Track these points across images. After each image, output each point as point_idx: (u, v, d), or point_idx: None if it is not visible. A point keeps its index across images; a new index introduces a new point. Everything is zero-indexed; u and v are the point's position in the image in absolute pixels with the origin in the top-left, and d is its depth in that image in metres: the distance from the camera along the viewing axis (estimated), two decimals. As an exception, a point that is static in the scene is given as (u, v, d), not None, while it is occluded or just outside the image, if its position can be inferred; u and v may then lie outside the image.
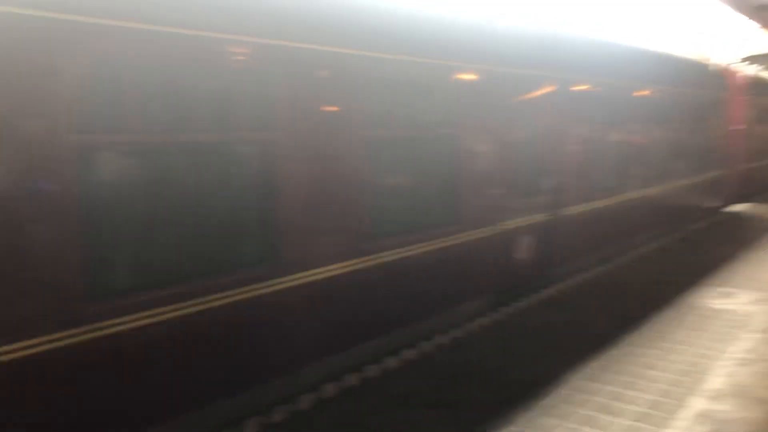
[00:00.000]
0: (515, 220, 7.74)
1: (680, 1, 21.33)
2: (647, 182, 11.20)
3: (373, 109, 5.69)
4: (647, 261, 10.39)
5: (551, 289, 8.37)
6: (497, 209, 7.45)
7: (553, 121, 8.36)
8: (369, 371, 5.76)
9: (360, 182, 5.57)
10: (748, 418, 4.93)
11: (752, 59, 28.20)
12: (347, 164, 5.47)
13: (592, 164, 9.35)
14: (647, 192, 11.22)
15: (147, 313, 4.16)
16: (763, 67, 20.68)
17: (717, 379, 5.65)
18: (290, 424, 4.81)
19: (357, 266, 5.57)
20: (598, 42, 9.80)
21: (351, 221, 5.53)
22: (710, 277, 9.24)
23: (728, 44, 29.31)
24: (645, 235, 11.76)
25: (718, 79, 14.91)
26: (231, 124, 4.63)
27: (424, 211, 6.48)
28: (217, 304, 4.50)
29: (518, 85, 7.64)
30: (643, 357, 6.16)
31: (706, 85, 14.07)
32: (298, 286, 5.06)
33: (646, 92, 10.97)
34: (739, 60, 24.80)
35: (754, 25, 22.94)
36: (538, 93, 8.10)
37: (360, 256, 5.61)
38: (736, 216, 15.27)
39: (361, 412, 5.03)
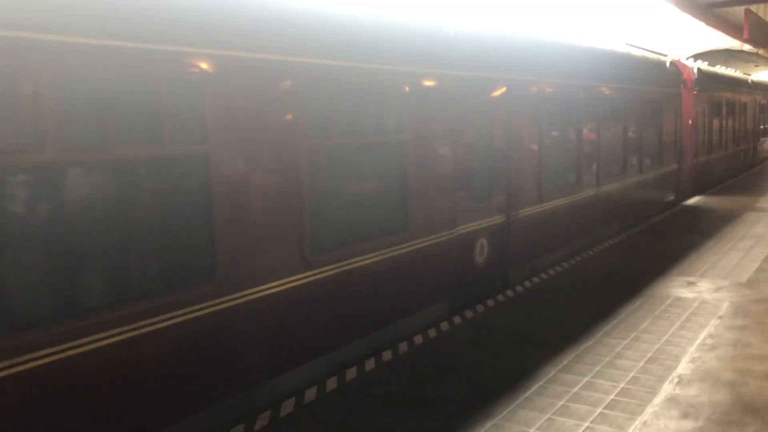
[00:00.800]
0: (471, 223, 7.77)
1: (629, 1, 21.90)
2: (603, 179, 11.35)
3: (315, 116, 5.58)
4: (612, 252, 10.66)
5: (513, 289, 8.46)
6: (453, 213, 7.44)
7: (505, 122, 8.42)
8: (348, 374, 5.82)
9: (302, 192, 5.42)
10: (714, 401, 5.14)
11: (701, 56, 29.05)
12: (287, 174, 5.32)
13: (547, 164, 9.44)
14: (603, 189, 11.39)
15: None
16: (709, 63, 21.23)
17: (684, 365, 5.87)
18: (273, 430, 4.84)
19: (302, 281, 5.47)
20: (550, 41, 9.92)
21: (293, 233, 5.39)
22: (673, 267, 9.55)
23: (677, 41, 30.14)
24: (603, 232, 11.90)
25: (670, 74, 15.12)
26: (160, 138, 4.35)
27: (375, 219, 6.41)
28: (146, 330, 4.25)
29: (469, 88, 7.64)
30: (612, 347, 6.36)
31: (660, 82, 14.30)
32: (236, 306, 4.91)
33: (600, 90, 11.13)
34: (688, 57, 25.53)
35: (700, 24, 23.64)
36: (490, 95, 8.18)
37: (305, 270, 5.51)
38: (693, 209, 15.56)
39: (343, 414, 5.09)
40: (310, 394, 5.43)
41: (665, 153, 14.55)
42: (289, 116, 5.30)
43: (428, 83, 7.00)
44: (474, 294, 8.07)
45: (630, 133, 12.49)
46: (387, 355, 6.25)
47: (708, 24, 23.23)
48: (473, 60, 7.77)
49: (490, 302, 7.94)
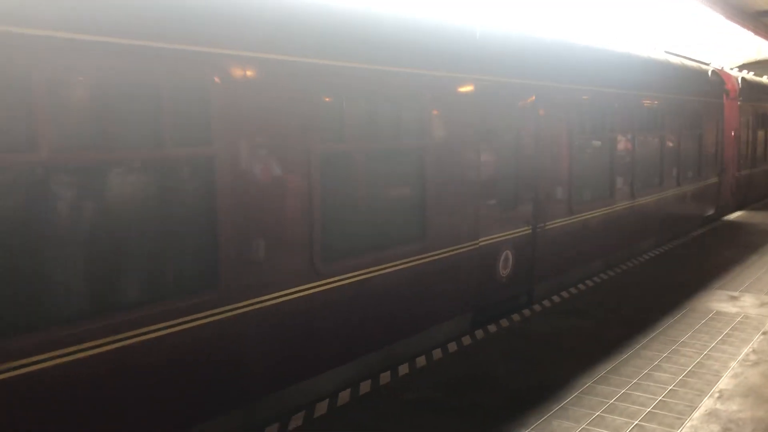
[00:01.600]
0: (495, 235, 7.49)
1: (675, 8, 21.50)
2: (638, 191, 10.92)
3: (328, 119, 5.37)
4: (652, 264, 10.46)
5: (540, 304, 8.21)
6: (476, 224, 7.17)
7: (534, 130, 8.12)
8: (382, 378, 5.83)
9: (313, 200, 5.20)
10: (756, 417, 5.00)
11: (748, 66, 28.37)
12: (297, 180, 5.12)
13: (578, 174, 9.10)
14: (638, 201, 10.95)
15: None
16: (755, 73, 20.65)
17: (724, 380, 5.73)
18: (307, 430, 4.88)
19: (311, 291, 5.28)
20: (583, 46, 9.55)
21: (303, 242, 5.18)
22: (715, 280, 9.33)
23: (724, 50, 29.54)
24: (638, 247, 11.37)
25: (712, 84, 14.60)
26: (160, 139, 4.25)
27: (392, 228, 6.17)
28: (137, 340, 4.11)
29: (495, 93, 7.34)
30: (650, 359, 6.24)
31: (701, 91, 13.79)
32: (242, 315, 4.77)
33: (636, 98, 10.77)
34: (735, 66, 24.96)
35: (747, 33, 23.13)
36: (518, 101, 7.90)
37: (315, 280, 5.31)
38: (733, 224, 14.99)
39: (375, 418, 5.10)
40: (344, 396, 5.46)
41: (705, 165, 14.02)
42: (300, 118, 5.10)
43: (451, 88, 6.76)
44: (497, 308, 7.76)
45: (667, 144, 12.07)
46: (421, 361, 6.24)
47: (757, 33, 22.72)
48: (500, 64, 7.46)
49: (526, 312, 7.86)
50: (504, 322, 7.43)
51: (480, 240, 7.23)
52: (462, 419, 5.06)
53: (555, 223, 8.64)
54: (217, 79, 4.51)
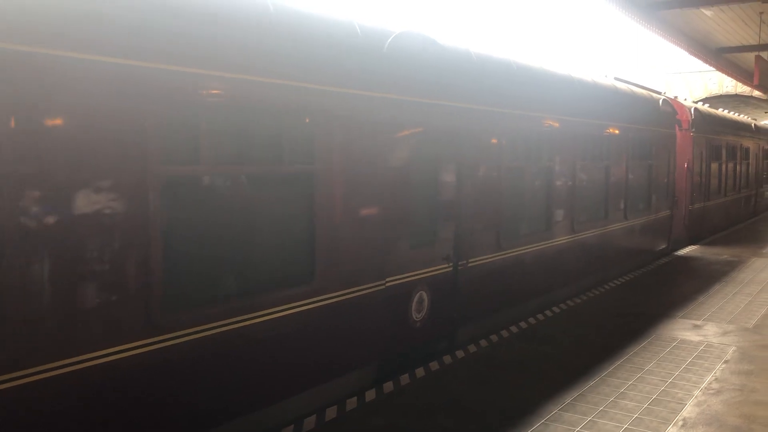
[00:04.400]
0: (407, 274, 6.60)
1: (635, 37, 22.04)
2: (579, 225, 10.20)
3: (174, 137, 4.46)
4: (617, 293, 10.59)
5: (463, 349, 7.32)
6: (382, 262, 6.27)
7: (455, 156, 7.32)
8: (348, 405, 5.77)
9: (151, 234, 4.26)
10: (719, 446, 5.05)
11: (711, 100, 29.20)
12: (127, 210, 4.14)
13: (509, 206, 8.28)
14: (579, 236, 10.22)
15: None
16: (710, 106, 21.13)
17: (688, 408, 5.79)
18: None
19: (145, 349, 4.28)
20: (521, 66, 8.68)
21: (135, 287, 4.22)
22: (679, 309, 9.47)
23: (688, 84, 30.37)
24: (578, 284, 10.52)
25: (663, 114, 14.05)
26: None
27: (268, 269, 5.23)
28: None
29: (409, 115, 6.57)
30: (616, 387, 6.29)
31: (651, 121, 13.18)
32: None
33: (576, 125, 10.03)
34: (699, 100, 25.64)
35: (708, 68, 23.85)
36: (436, 123, 7.01)
37: (151, 335, 4.30)
38: (686, 260, 14.41)
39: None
40: (309, 423, 5.38)
41: (655, 198, 13.42)
42: (132, 134, 4.16)
43: (350, 106, 5.85)
44: (411, 356, 6.86)
45: (613, 175, 11.33)
46: (388, 387, 6.20)
47: (719, 69, 23.43)
48: (416, 82, 6.63)
49: (494, 338, 7.87)
50: (472, 349, 7.43)
51: (387, 280, 6.31)
52: (429, 446, 5.01)
53: (481, 260, 7.75)
54: None
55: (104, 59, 3.98)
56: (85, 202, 3.94)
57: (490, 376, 6.56)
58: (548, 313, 9.16)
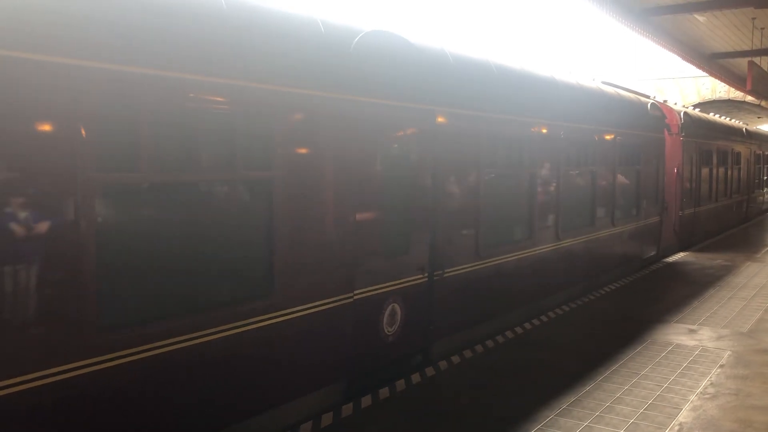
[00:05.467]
0: (377, 285, 6.25)
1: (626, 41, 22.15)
2: (564, 232, 9.80)
3: (112, 142, 4.11)
4: (610, 298, 10.60)
5: (436, 365, 6.96)
6: (350, 273, 5.87)
7: (431, 160, 6.96)
8: (344, 410, 5.74)
9: (84, 246, 3.91)
10: (716, 450, 5.04)
11: (704, 105, 29.34)
12: (57, 222, 3.82)
13: (489, 213, 7.87)
14: (564, 243, 9.83)
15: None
16: (714, 112, 21.18)
17: (684, 413, 5.79)
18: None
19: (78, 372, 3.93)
20: (501, 67, 8.38)
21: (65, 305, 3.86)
22: (674, 314, 9.48)
23: (681, 89, 30.52)
24: (564, 294, 10.17)
25: (652, 118, 13.70)
26: None
27: (217, 283, 4.83)
28: None
29: (379, 118, 6.23)
30: (612, 392, 6.28)
31: (639, 125, 12.87)
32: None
33: (561, 129, 9.66)
34: (691, 105, 25.75)
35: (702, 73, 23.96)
36: (412, 127, 6.79)
37: (91, 355, 3.96)
38: (675, 266, 14.11)
39: None
40: (306, 428, 5.35)
41: (644, 204, 13.06)
42: (62, 139, 3.85)
43: (315, 109, 5.52)
44: (383, 372, 6.45)
45: (600, 181, 10.97)
46: (384, 393, 6.18)
47: (712, 74, 23.56)
48: (386, 84, 6.29)
49: (489, 343, 7.86)
50: (467, 354, 7.41)
51: (356, 292, 5.94)
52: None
53: (458, 270, 7.37)
54: None
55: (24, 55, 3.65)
56: (6, 211, 3.60)
57: (485, 382, 6.55)
58: (544, 318, 9.16)
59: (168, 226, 4.52)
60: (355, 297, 5.95)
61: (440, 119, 7.08)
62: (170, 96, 4.41)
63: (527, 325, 8.71)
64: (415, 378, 6.59)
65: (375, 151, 6.26)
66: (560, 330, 8.59)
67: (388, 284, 6.38)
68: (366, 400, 5.96)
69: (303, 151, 5.45)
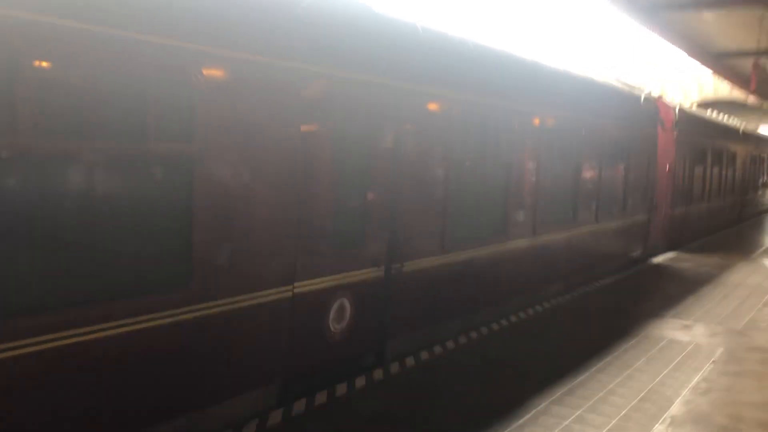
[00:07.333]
0: (323, 278, 5.69)
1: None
2: (542, 227, 9.24)
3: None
4: (606, 291, 10.62)
5: (396, 365, 6.48)
6: (289, 263, 5.32)
7: (394, 143, 6.41)
8: (338, 390, 5.76)
9: None
10: (707, 444, 5.07)
11: (706, 105, 29.29)
12: None
13: (456, 203, 7.31)
14: (541, 239, 9.27)
15: None
16: (719, 112, 21.03)
17: (676, 406, 5.82)
18: (259, 440, 4.77)
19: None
20: (475, 47, 7.82)
21: None
22: (668, 309, 9.51)
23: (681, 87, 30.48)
24: (539, 292, 9.62)
25: (644, 112, 13.17)
26: None
27: (114, 270, 4.18)
28: None
29: (333, 91, 5.67)
30: (605, 383, 6.31)
31: (630, 118, 12.33)
32: None
33: (538, 116, 9.11)
34: (693, 103, 25.68)
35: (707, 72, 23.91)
36: (370, 105, 6.13)
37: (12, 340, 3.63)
38: (661, 268, 13.56)
39: (330, 429, 5.02)
40: (299, 405, 5.36)
41: (631, 201, 12.58)
42: None
43: (252, 75, 4.90)
44: (328, 372, 5.92)
45: (583, 175, 10.46)
46: (378, 375, 6.19)
47: (717, 73, 23.50)
48: (341, 54, 5.70)
49: (484, 330, 7.87)
50: (462, 341, 7.42)
51: (296, 285, 5.39)
52: (418, 434, 5.01)
53: (419, 263, 6.79)
54: None
55: None
56: None
57: (477, 370, 6.57)
58: (538, 308, 9.18)
59: (57, 207, 3.91)
60: (296, 290, 5.40)
61: (405, 97, 6.48)
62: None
63: (522, 315, 8.72)
64: (409, 362, 6.59)
65: (323, 126, 5.60)
66: (553, 321, 8.61)
67: (336, 277, 5.81)
68: (360, 381, 5.97)
69: (233, 122, 4.78)
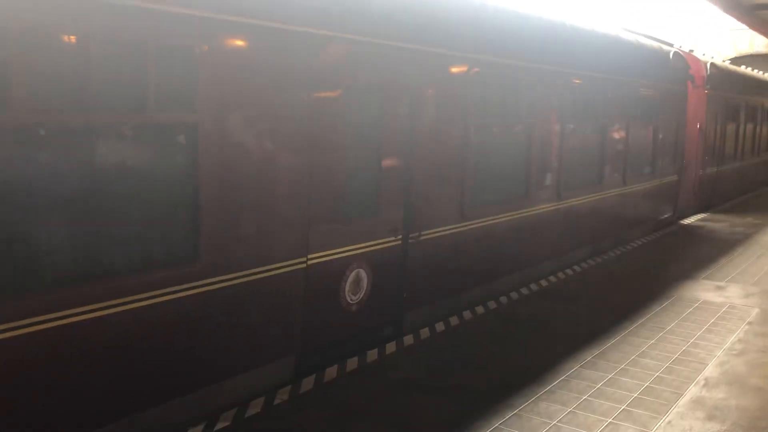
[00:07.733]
0: (339, 249, 5.57)
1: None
2: (567, 191, 9.02)
3: None
4: (639, 253, 10.49)
5: (416, 335, 6.38)
6: (303, 234, 5.19)
7: (410, 108, 6.19)
8: (369, 356, 5.80)
9: None
10: (741, 405, 5.03)
11: (740, 60, 28.39)
12: None
13: (475, 168, 7.09)
14: (566, 203, 9.06)
15: None
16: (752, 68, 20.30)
17: (710, 368, 5.76)
18: (293, 405, 4.84)
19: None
20: (487, 4, 7.41)
21: None
22: (702, 271, 9.38)
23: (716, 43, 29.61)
24: (566, 258, 9.42)
25: (674, 68, 12.66)
26: None
27: (120, 246, 4.10)
28: None
29: (343, 55, 5.48)
30: (638, 346, 6.26)
31: (658, 76, 11.89)
32: None
33: (571, 78, 8.92)
34: (727, 59, 24.91)
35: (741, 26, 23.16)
36: (383, 69, 5.91)
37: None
38: (692, 229, 13.26)
39: (362, 396, 5.07)
40: (330, 372, 5.42)
41: (660, 162, 12.18)
42: None
43: (258, 39, 4.71)
44: (345, 345, 5.83)
45: (609, 136, 10.13)
46: (408, 340, 6.21)
47: (752, 27, 22.75)
48: (349, 18, 5.44)
49: (514, 295, 7.84)
50: (491, 305, 7.39)
51: (310, 257, 5.26)
52: (448, 399, 5.04)
53: (437, 232, 6.62)
54: None
55: None
56: None
57: (507, 334, 6.56)
58: (569, 271, 9.11)
59: (61, 180, 3.77)
60: (309, 262, 5.26)
61: (415, 57, 6.18)
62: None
63: (552, 279, 8.67)
64: (439, 326, 6.60)
65: (331, 90, 5.40)
66: (584, 284, 8.54)
67: (351, 247, 5.68)
68: (390, 347, 6.00)
69: (240, 90, 4.61)
